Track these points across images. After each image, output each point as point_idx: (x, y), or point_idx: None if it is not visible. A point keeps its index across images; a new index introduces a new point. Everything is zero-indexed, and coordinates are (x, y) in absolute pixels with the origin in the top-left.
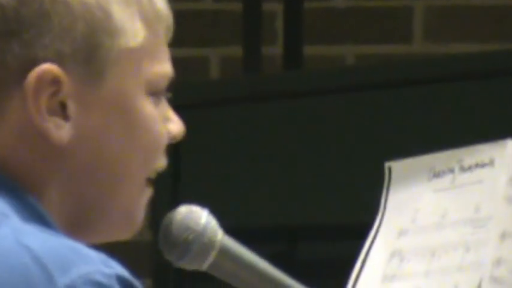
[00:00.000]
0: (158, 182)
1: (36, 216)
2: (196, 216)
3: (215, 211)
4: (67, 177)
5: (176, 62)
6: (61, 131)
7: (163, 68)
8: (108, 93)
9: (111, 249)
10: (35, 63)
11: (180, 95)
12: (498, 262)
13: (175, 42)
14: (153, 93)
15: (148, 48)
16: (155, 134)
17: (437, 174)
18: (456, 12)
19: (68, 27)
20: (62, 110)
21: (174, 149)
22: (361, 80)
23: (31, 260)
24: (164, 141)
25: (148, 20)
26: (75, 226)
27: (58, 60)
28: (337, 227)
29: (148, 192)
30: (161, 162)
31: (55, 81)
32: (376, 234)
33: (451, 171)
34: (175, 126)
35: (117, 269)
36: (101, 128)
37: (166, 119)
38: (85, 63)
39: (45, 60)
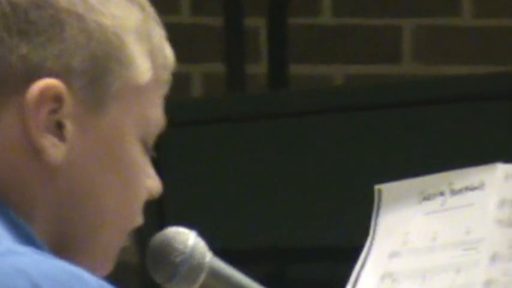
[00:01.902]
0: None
1: (25, 237)
2: (184, 238)
3: (202, 232)
4: (54, 201)
5: None
6: (56, 150)
7: (159, 117)
8: (107, 123)
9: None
10: (41, 72)
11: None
12: (489, 284)
13: None
14: (144, 140)
15: (152, 92)
16: (138, 184)
17: (427, 197)
18: (445, 32)
19: (80, 43)
20: (57, 130)
21: (156, 168)
22: (348, 101)
23: (28, 284)
24: (144, 195)
25: (156, 63)
26: (56, 253)
27: (64, 75)
28: (327, 249)
29: (122, 243)
30: (139, 218)
31: (58, 98)
32: (366, 257)
33: (442, 194)
34: (154, 183)
35: None
36: (93, 157)
37: (148, 174)
38: (91, 85)
39: (51, 72)
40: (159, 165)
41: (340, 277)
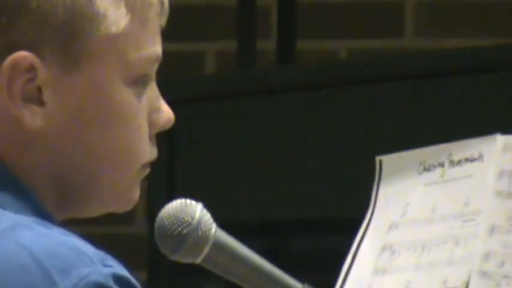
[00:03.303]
0: (153, 175)
1: (28, 204)
2: (190, 210)
3: (209, 205)
4: (48, 162)
5: (171, 56)
6: (35, 117)
7: (146, 52)
8: (85, 80)
9: (106, 241)
10: (13, 47)
11: (175, 89)
12: (487, 256)
13: (170, 37)
14: (135, 81)
15: (132, 35)
16: (134, 126)
17: (427, 168)
18: (446, 7)
19: (47, 13)
20: (38, 96)
21: (169, 143)
22: (354, 74)
23: (32, 262)
24: (145, 132)
25: (135, 6)
26: (64, 207)
27: (35, 45)
28: (329, 221)
29: (143, 174)
30: (151, 152)
31: (30, 68)
32: (366, 228)
33: (441, 165)
34: (163, 116)
35: (115, 267)
36: (77, 114)
37: (155, 109)
38: (63, 49)
39: (22, 45)
40: (172, 139)
41: (341, 248)
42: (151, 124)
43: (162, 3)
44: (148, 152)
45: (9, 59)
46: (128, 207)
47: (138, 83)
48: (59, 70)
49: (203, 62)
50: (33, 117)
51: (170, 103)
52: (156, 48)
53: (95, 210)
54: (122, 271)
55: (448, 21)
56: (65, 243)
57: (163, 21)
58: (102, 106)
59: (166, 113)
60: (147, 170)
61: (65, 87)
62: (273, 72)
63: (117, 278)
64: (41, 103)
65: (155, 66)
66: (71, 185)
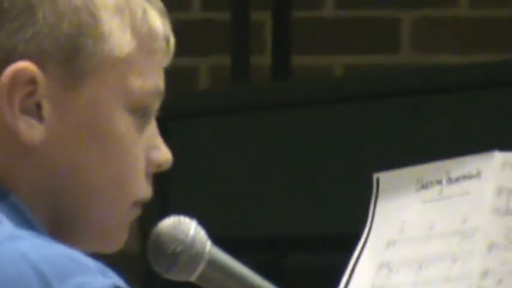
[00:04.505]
0: None
1: (26, 221)
2: (184, 228)
3: (203, 221)
4: (42, 180)
5: (164, 72)
6: (33, 130)
7: (148, 83)
8: (85, 99)
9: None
10: (14, 56)
11: (169, 105)
12: (485, 273)
13: None
14: (135, 110)
15: (136, 62)
16: (129, 155)
17: (425, 186)
18: (443, 23)
19: (52, 25)
20: (36, 111)
21: None
22: (349, 90)
23: (29, 269)
24: (141, 167)
25: (141, 35)
26: (56, 232)
27: (37, 57)
28: (325, 238)
29: (133, 214)
30: (145, 190)
31: (31, 81)
32: (364, 245)
33: (439, 182)
34: (161, 154)
35: (114, 279)
36: (74, 134)
37: (153, 146)
38: (65, 64)
39: (24, 56)
40: None
41: (337, 266)
42: (148, 161)
43: (167, 41)
44: (143, 188)
45: (11, 68)
46: (115, 247)
47: (138, 113)
48: (60, 85)
49: (196, 77)
50: (30, 131)
51: (163, 118)
52: (158, 82)
53: (83, 246)
54: (122, 284)
55: (445, 36)
56: (64, 253)
57: (166, 61)
58: (100, 128)
59: (164, 152)
60: (139, 211)
61: (64, 104)
62: (267, 88)
63: None
64: (40, 118)
65: (157, 102)
66: (63, 210)
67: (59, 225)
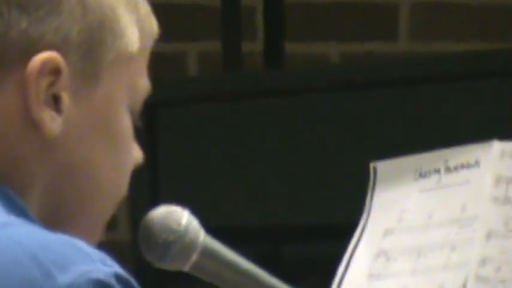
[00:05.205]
0: (136, 180)
1: (19, 211)
2: (177, 217)
3: (194, 210)
4: (49, 174)
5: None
6: (54, 123)
7: (145, 84)
8: (101, 94)
9: None
10: (40, 45)
11: (158, 91)
12: (484, 261)
13: None
14: (133, 108)
15: (139, 60)
16: (128, 153)
17: (423, 175)
18: (442, 10)
19: (77, 16)
20: (54, 102)
21: (151, 147)
22: (344, 78)
23: (25, 256)
24: (132, 164)
25: (143, 32)
26: (47, 227)
27: (62, 47)
28: (322, 227)
29: (111, 213)
30: (126, 187)
31: (56, 71)
32: (361, 234)
33: (437, 171)
34: (138, 152)
35: (114, 267)
36: (88, 128)
37: (132, 144)
38: (86, 57)
39: (50, 45)
40: (154, 144)
41: (334, 254)
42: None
43: (155, 36)
44: (127, 185)
45: (40, 56)
46: (95, 241)
47: (132, 112)
48: (79, 79)
49: (185, 64)
50: (52, 123)
51: (151, 105)
52: (148, 82)
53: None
54: (122, 272)
55: (444, 24)
56: (61, 240)
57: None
58: (110, 126)
59: (139, 151)
60: (112, 213)
61: (81, 98)
62: (259, 75)
63: (119, 278)
64: (58, 110)
65: (143, 100)
66: (63, 206)
67: (53, 220)
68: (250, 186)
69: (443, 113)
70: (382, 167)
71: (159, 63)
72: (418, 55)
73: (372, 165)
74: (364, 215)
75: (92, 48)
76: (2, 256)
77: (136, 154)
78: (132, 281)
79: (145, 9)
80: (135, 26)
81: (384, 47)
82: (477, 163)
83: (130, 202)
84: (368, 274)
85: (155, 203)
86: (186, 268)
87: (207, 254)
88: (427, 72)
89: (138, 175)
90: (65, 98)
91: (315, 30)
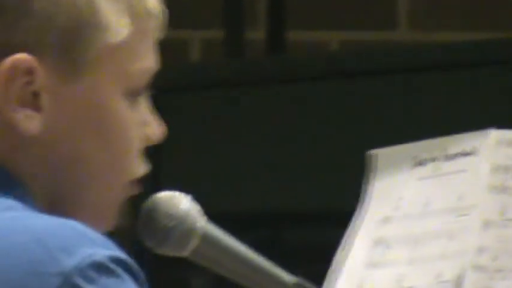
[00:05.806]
0: None
1: (22, 199)
2: (177, 202)
3: (196, 197)
4: (41, 167)
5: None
6: (31, 122)
7: (145, 64)
8: (85, 89)
9: None
10: (12, 48)
11: (160, 78)
12: (481, 250)
13: None
14: (131, 92)
15: (132, 45)
16: (126, 139)
17: (420, 163)
18: None
19: (50, 16)
20: (34, 101)
21: None
22: (345, 66)
23: (31, 240)
24: (136, 147)
25: (137, 16)
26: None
27: (35, 48)
28: (320, 214)
29: (127, 193)
30: (141, 167)
31: (29, 72)
32: (358, 222)
33: (435, 159)
34: (153, 130)
35: (116, 251)
36: (74, 123)
37: (145, 122)
38: (63, 55)
39: (22, 47)
40: None
41: (332, 242)
42: (141, 137)
43: (159, 15)
44: (137, 167)
45: (9, 60)
46: (107, 227)
47: (134, 93)
48: (58, 76)
49: (188, 51)
50: (28, 122)
51: (154, 92)
52: (153, 60)
53: None
54: (124, 256)
55: (443, 13)
56: (65, 224)
57: (159, 33)
58: (99, 116)
59: (157, 127)
60: (133, 189)
61: (63, 94)
62: (261, 62)
63: (120, 261)
64: (37, 108)
65: (147, 78)
66: (61, 196)
67: (54, 208)
68: (252, 173)
69: (442, 101)
70: (381, 155)
71: (162, 50)
72: (418, 43)
73: (370, 152)
74: (362, 203)
75: (69, 45)
76: (9, 239)
77: (149, 131)
78: (134, 264)
79: None
80: (123, 14)
81: (383, 36)
82: (474, 151)
83: None
84: (366, 262)
85: (156, 189)
86: (186, 254)
87: (207, 240)
88: (426, 61)
89: None
90: (44, 95)
91: (316, 18)
